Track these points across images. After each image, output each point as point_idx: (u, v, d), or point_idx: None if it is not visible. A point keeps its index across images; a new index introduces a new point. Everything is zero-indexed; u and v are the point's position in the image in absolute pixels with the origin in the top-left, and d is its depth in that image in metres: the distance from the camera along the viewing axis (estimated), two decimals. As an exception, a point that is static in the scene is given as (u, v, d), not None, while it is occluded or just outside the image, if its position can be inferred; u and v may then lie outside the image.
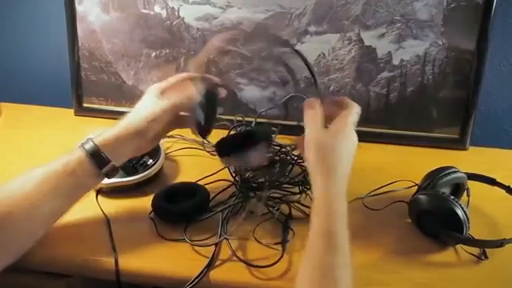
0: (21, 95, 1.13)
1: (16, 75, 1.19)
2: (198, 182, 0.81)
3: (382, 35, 0.93)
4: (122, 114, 1.03)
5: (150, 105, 0.71)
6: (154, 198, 0.76)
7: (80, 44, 1.04)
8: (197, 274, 0.64)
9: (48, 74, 1.17)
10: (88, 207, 0.77)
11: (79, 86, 1.06)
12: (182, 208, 0.74)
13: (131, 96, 1.05)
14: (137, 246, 0.69)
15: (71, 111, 1.08)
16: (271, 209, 0.75)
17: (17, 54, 1.17)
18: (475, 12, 0.88)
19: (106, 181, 0.78)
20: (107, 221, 0.73)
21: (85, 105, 1.07)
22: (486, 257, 0.68)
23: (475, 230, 0.69)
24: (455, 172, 0.75)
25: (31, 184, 0.62)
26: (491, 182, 0.78)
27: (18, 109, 1.11)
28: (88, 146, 0.65)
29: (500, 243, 0.67)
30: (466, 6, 0.89)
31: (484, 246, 0.68)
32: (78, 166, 0.64)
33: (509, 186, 0.77)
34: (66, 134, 1.01)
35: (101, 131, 0.68)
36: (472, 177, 0.78)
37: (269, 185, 0.76)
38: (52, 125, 1.04)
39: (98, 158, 0.65)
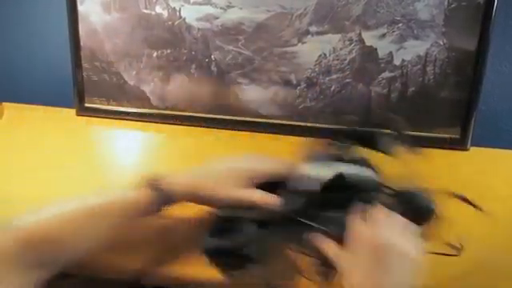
0: (22, 95, 1.13)
1: (18, 75, 1.19)
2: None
3: (383, 35, 0.93)
4: (123, 113, 1.05)
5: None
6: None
7: (81, 44, 1.04)
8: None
9: (49, 73, 1.17)
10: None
11: (81, 86, 1.06)
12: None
13: (133, 96, 1.05)
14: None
15: (73, 111, 1.08)
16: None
17: (18, 54, 1.18)
18: (476, 12, 0.88)
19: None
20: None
21: (86, 105, 1.07)
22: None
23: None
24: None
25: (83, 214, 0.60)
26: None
27: (20, 109, 1.12)
28: (158, 190, 0.63)
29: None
30: (466, 6, 0.89)
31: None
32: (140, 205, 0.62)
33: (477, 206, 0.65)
34: (67, 134, 1.01)
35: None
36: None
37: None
38: (54, 125, 1.04)
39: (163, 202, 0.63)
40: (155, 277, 0.66)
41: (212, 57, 1.00)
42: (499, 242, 0.72)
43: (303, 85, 0.98)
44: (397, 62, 0.94)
